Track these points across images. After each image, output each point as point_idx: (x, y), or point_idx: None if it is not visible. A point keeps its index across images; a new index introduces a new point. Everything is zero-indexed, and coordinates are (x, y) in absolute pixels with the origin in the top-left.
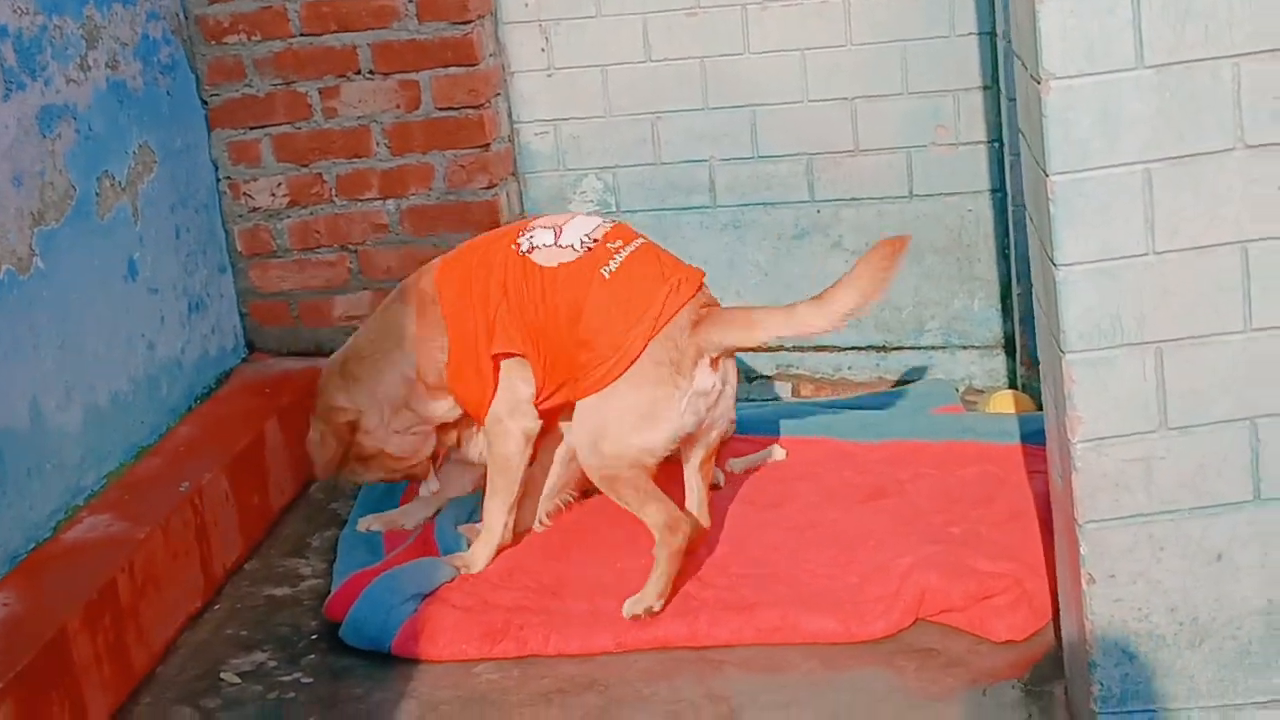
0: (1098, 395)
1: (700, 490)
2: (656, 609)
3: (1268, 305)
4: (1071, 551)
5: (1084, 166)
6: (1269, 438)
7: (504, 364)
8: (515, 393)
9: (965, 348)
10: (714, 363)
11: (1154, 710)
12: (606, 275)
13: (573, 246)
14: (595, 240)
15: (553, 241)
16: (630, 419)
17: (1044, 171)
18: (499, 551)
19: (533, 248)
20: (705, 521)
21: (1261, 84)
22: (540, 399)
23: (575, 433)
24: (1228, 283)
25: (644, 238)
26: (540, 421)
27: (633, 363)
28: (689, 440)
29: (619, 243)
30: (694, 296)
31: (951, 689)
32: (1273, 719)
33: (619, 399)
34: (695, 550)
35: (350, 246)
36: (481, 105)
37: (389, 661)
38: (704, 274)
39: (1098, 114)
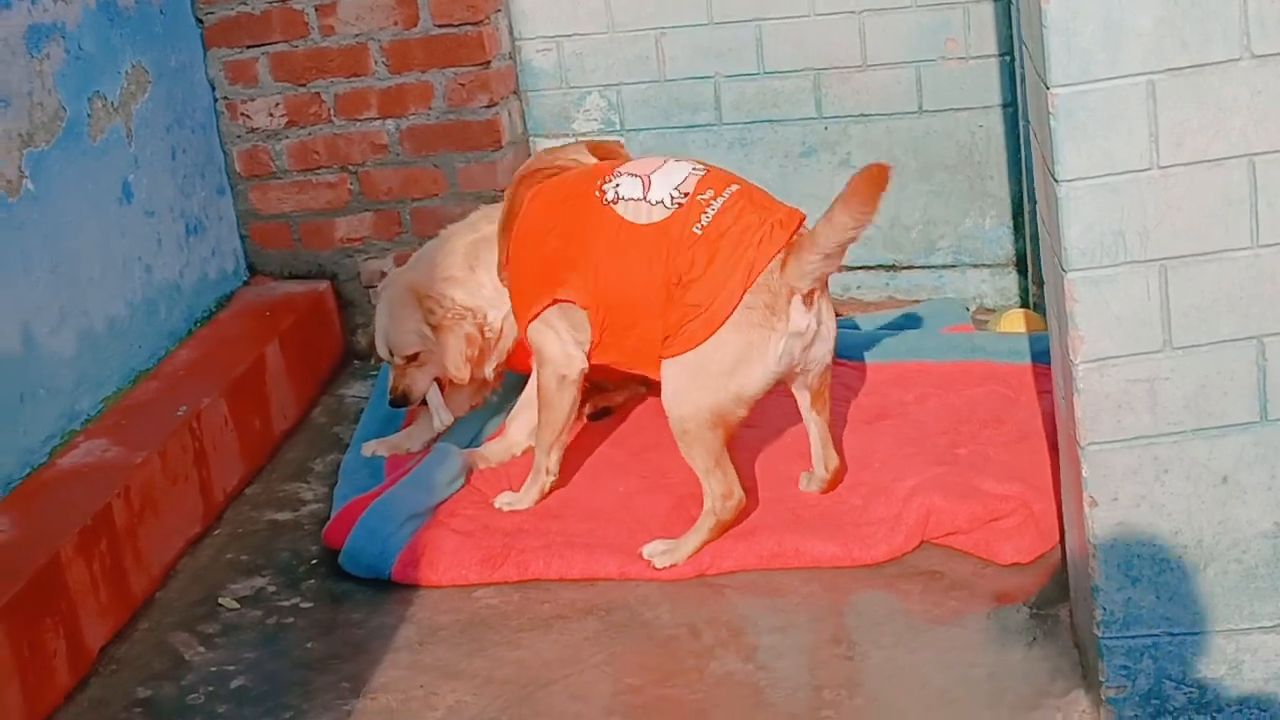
0: (1100, 314)
1: (821, 430)
2: (681, 564)
3: (1275, 220)
4: (1074, 474)
5: (1086, 78)
6: (1275, 356)
7: (563, 307)
8: (568, 336)
9: (976, 266)
10: (807, 300)
11: (1157, 635)
12: (699, 232)
13: (663, 203)
14: (685, 194)
15: (641, 195)
16: (725, 366)
17: (1045, 84)
18: (550, 491)
19: (618, 199)
20: (835, 461)
21: None
22: (591, 355)
23: (666, 387)
24: (1234, 197)
25: (738, 183)
26: (588, 364)
27: (729, 317)
28: (791, 382)
29: (709, 193)
30: (789, 240)
31: (955, 612)
32: (1277, 644)
33: (714, 349)
34: (835, 486)
35: (350, 167)
36: (481, 22)
37: (389, 586)
38: (803, 215)
39: (1100, 23)
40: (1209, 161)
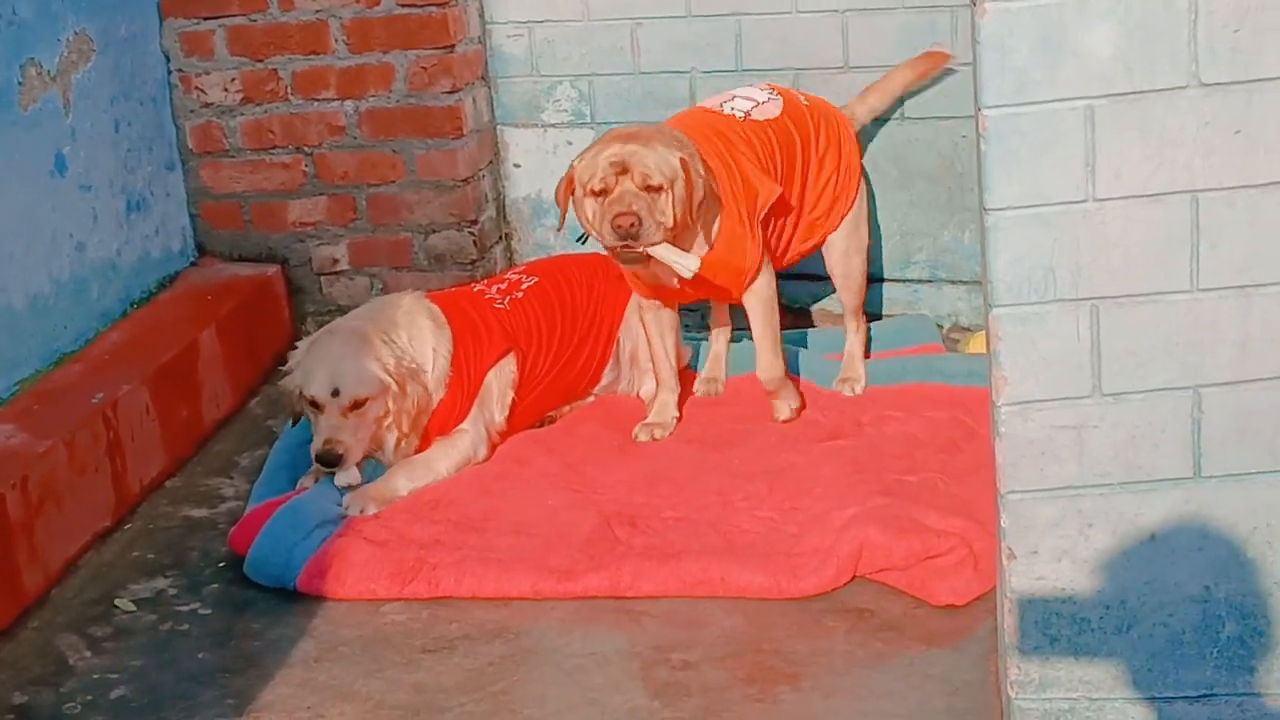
0: (1026, 354)
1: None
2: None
3: (1217, 262)
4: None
5: (1020, 100)
6: (1212, 409)
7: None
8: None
9: (952, 282)
10: None
11: (1074, 699)
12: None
13: (771, 101)
14: (775, 94)
15: (756, 101)
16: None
17: (976, 103)
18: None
19: (747, 114)
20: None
21: (1220, 14)
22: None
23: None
24: (1174, 236)
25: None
26: None
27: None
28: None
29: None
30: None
31: (880, 655)
32: (1204, 714)
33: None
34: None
35: (306, 148)
36: (447, 3)
37: (294, 596)
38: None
39: (1038, 40)
40: (1149, 196)
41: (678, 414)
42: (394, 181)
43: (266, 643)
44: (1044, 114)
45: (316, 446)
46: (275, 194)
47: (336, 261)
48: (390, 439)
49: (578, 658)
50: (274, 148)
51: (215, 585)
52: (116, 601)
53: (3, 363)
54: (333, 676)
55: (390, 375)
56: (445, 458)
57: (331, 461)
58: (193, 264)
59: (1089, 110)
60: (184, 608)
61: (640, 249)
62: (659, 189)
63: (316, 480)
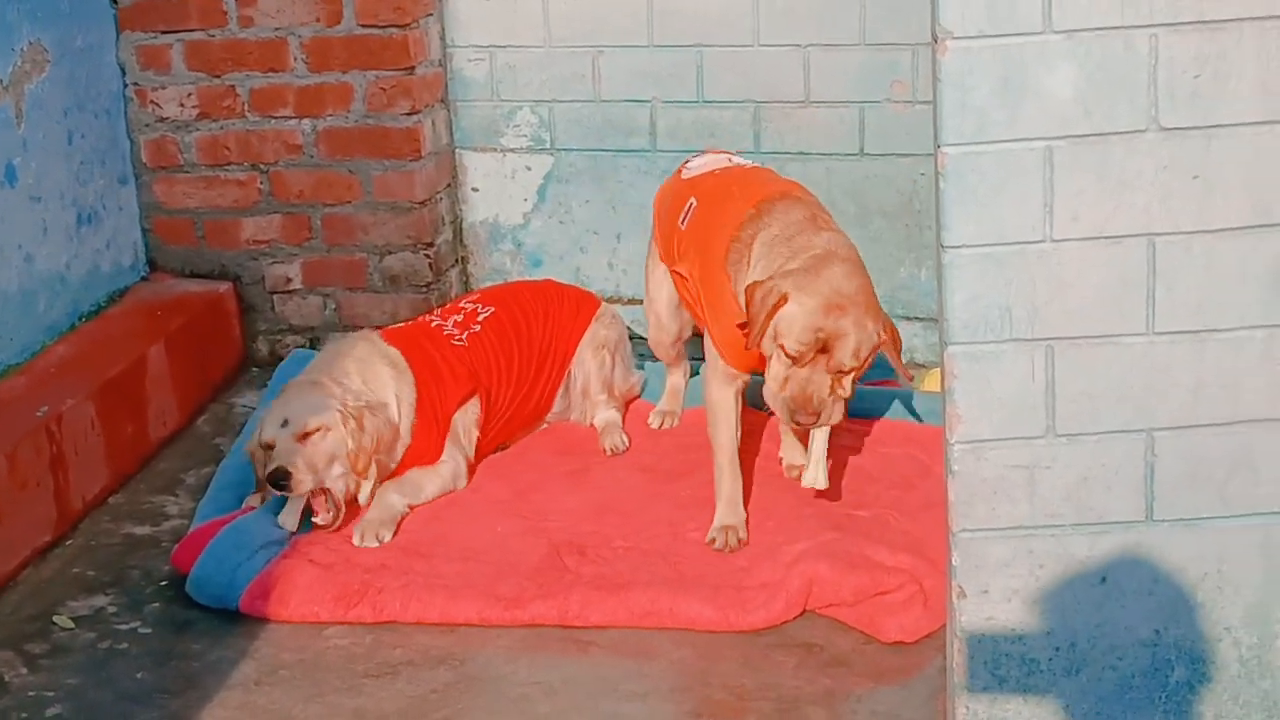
0: (980, 393)
1: None
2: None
3: (1173, 306)
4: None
5: (979, 139)
6: (1165, 453)
7: None
8: None
9: (909, 319)
10: None
11: None
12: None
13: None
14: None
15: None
16: None
17: (936, 141)
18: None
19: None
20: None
21: (1181, 60)
22: None
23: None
24: (1131, 279)
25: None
26: None
27: None
28: None
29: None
30: None
31: (827, 691)
32: None
33: None
34: None
35: (262, 166)
36: (408, 25)
37: (236, 617)
38: None
39: (998, 80)
40: (1106, 238)
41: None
42: (350, 202)
43: (206, 664)
44: (1003, 153)
45: (269, 467)
46: (229, 211)
47: (290, 280)
48: (358, 482)
49: (523, 686)
50: (229, 164)
51: (156, 604)
52: (55, 618)
53: None
54: (272, 700)
55: (345, 408)
56: (430, 481)
57: (279, 481)
58: (143, 279)
59: (1048, 151)
60: (124, 626)
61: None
62: (850, 372)
63: (263, 501)
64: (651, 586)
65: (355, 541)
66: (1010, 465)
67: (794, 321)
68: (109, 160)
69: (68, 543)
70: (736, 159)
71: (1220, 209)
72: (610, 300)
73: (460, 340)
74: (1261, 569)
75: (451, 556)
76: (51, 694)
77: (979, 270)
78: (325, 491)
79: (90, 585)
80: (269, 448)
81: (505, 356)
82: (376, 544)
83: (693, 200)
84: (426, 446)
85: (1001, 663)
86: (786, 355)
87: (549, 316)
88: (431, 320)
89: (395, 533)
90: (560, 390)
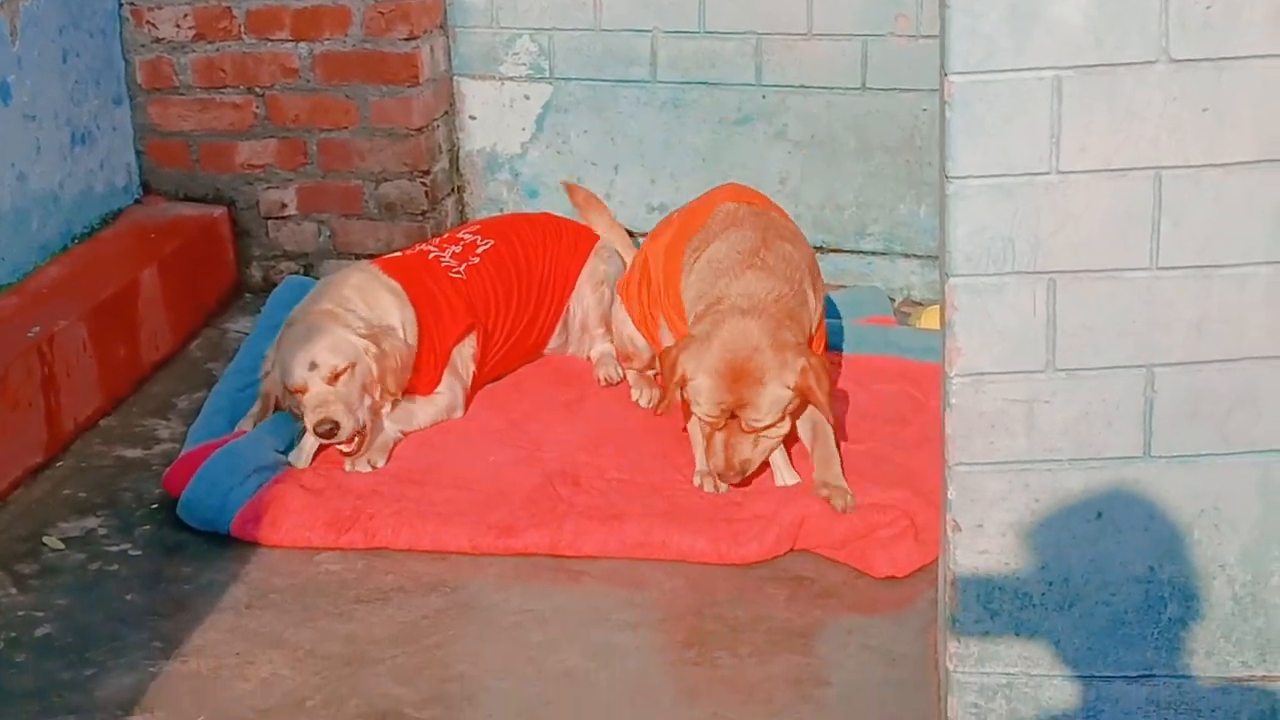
0: (981, 326)
1: None
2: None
3: (1178, 241)
4: (943, 495)
5: (988, 67)
6: (1166, 389)
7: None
8: None
9: (907, 255)
10: None
11: (1013, 674)
12: None
13: None
14: None
15: None
16: None
17: (943, 69)
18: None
19: None
20: None
21: None
22: None
23: None
24: (1136, 212)
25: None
26: None
27: None
28: None
29: None
30: None
31: (818, 622)
32: (1142, 695)
33: None
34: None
35: (258, 89)
36: None
37: (226, 541)
38: None
39: (1007, 7)
40: (1113, 170)
41: None
42: (346, 127)
43: (197, 587)
44: (1011, 82)
45: (310, 423)
46: (224, 134)
47: (285, 206)
48: (387, 404)
49: (515, 615)
50: (225, 87)
51: (147, 527)
52: (45, 539)
53: None
54: (263, 623)
55: (364, 337)
56: (424, 409)
57: (328, 433)
58: (137, 201)
59: (1057, 80)
60: (114, 548)
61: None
62: (768, 428)
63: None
64: (645, 518)
65: (347, 467)
66: (1009, 399)
67: (698, 394)
68: (104, 80)
69: (58, 464)
70: None
71: (1230, 143)
72: None
73: (458, 273)
74: (1259, 507)
75: (444, 484)
76: (41, 614)
77: (983, 201)
78: (362, 434)
79: (81, 507)
80: (298, 391)
81: (504, 291)
82: (369, 469)
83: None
84: (425, 377)
85: (994, 597)
86: (703, 422)
87: (548, 250)
88: (429, 251)
89: (388, 459)
90: (559, 325)
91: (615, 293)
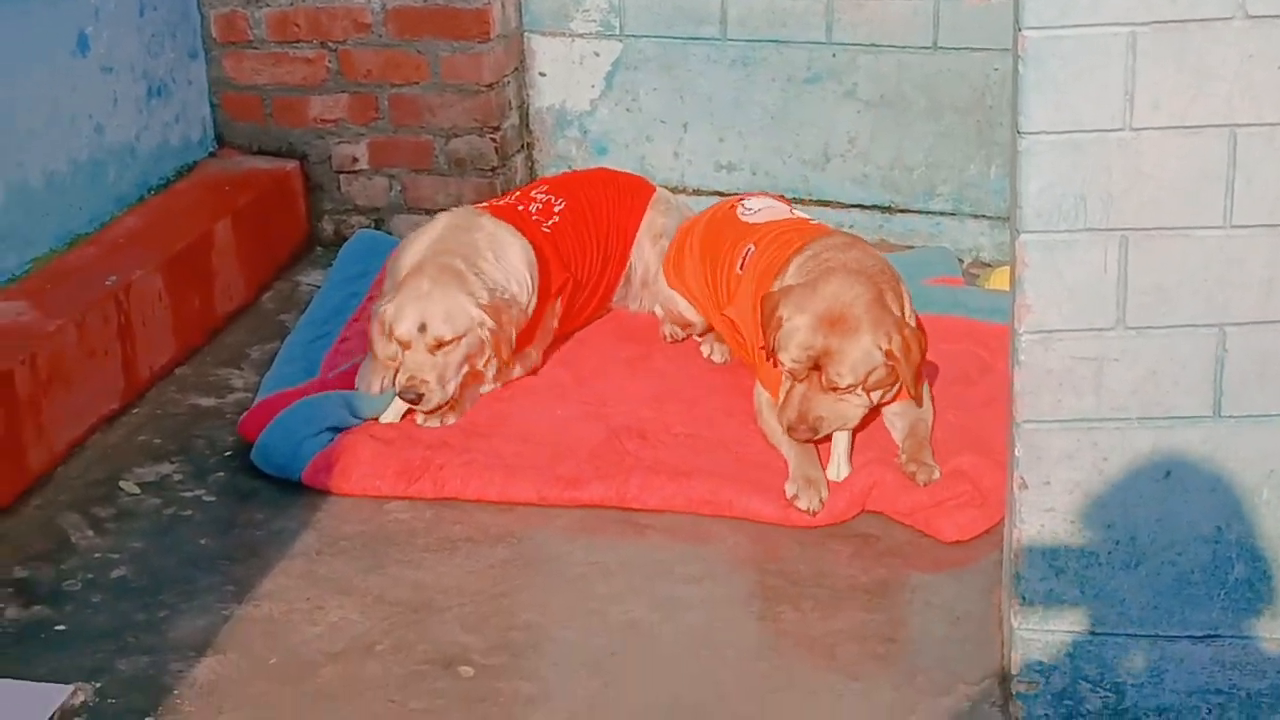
0: (1051, 283)
1: None
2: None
3: (1251, 199)
4: (1010, 452)
5: (1062, 23)
6: (1237, 348)
7: None
8: None
9: (976, 216)
10: None
11: (1078, 633)
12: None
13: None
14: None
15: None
16: None
17: (1017, 24)
18: None
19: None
20: None
21: None
22: None
23: None
24: (1210, 170)
25: None
26: None
27: None
28: None
29: None
30: None
31: (882, 580)
32: (1207, 655)
33: None
34: None
35: (330, 44)
36: None
37: (298, 489)
38: None
39: None
40: (1186, 128)
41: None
42: (417, 83)
43: (269, 533)
44: (1085, 38)
45: (400, 382)
46: (297, 88)
47: (356, 160)
48: (490, 372)
49: (580, 566)
50: (298, 41)
51: (220, 474)
52: (121, 484)
53: (17, 240)
54: (333, 570)
55: (483, 311)
56: (498, 378)
57: (413, 400)
58: (211, 154)
59: (1131, 36)
60: (188, 494)
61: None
62: (849, 389)
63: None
64: (713, 477)
65: (419, 420)
66: (1078, 357)
67: (787, 338)
68: (180, 33)
69: (134, 411)
70: (796, 211)
71: None
72: (674, 190)
73: (546, 229)
74: None
75: (512, 437)
76: (116, 556)
77: (1055, 157)
78: (453, 402)
79: (156, 453)
80: (401, 344)
81: (580, 249)
82: (438, 425)
83: (750, 246)
84: (523, 334)
85: (1060, 555)
86: (785, 370)
87: (610, 206)
88: (517, 206)
89: (459, 417)
90: (621, 279)
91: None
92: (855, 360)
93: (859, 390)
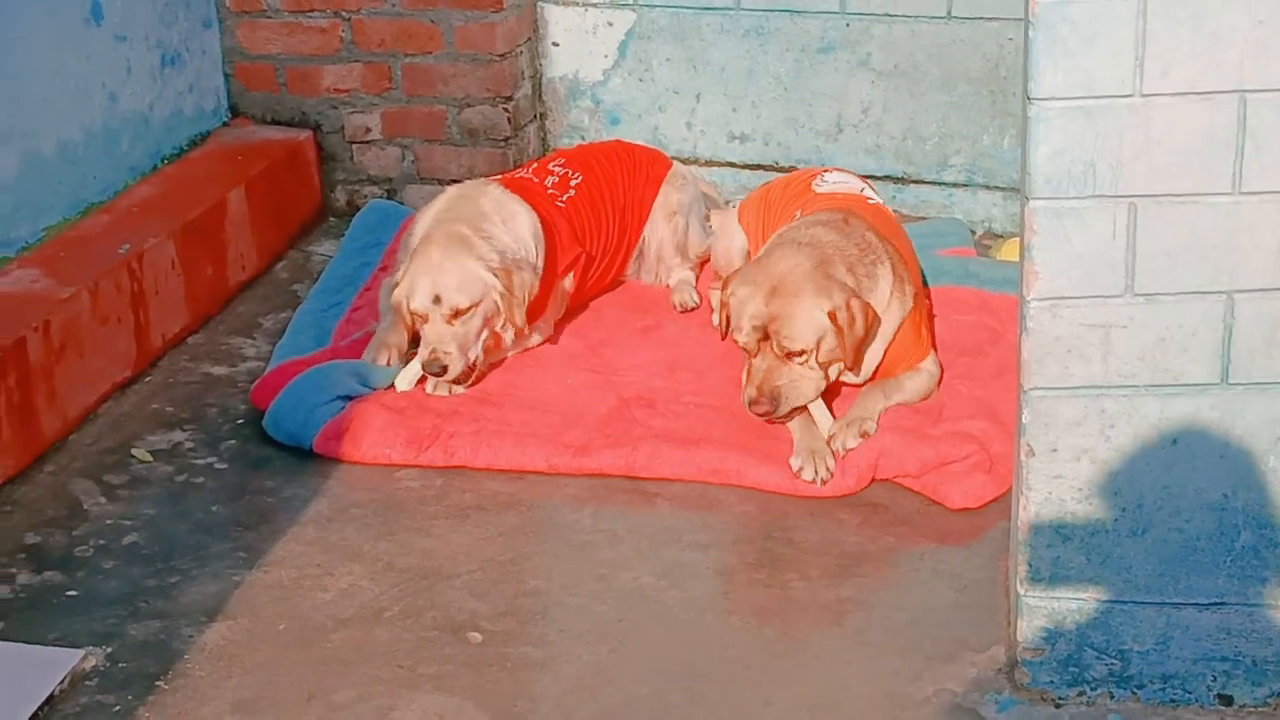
0: (1060, 249)
1: None
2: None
3: (1261, 166)
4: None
5: None
6: (1245, 315)
7: None
8: None
9: (989, 188)
10: None
11: (1084, 599)
12: None
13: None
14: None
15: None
16: None
17: None
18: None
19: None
20: None
21: None
22: None
23: None
24: (1220, 137)
25: None
26: None
27: None
28: None
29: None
30: None
31: (890, 548)
32: (1213, 622)
33: None
34: None
35: (344, 13)
36: None
37: (310, 457)
38: None
39: None
40: (1197, 94)
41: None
42: (431, 52)
43: (280, 500)
44: (1096, 3)
45: (423, 356)
46: (311, 58)
47: (369, 130)
48: (508, 336)
49: (588, 533)
50: (312, 11)
51: (232, 441)
52: (133, 451)
53: (31, 208)
54: (344, 537)
55: (495, 274)
56: (514, 347)
57: (437, 373)
58: (225, 124)
59: (1142, 1)
60: (200, 461)
61: (781, 419)
62: (801, 354)
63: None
64: (722, 446)
65: (429, 389)
66: (1086, 324)
67: (737, 314)
68: (193, 3)
69: (147, 379)
70: (868, 190)
71: None
72: (686, 161)
73: (561, 203)
74: None
75: (522, 405)
76: (129, 522)
77: (1065, 124)
78: (472, 367)
79: (168, 421)
80: (418, 317)
81: (595, 225)
82: (447, 393)
83: (799, 213)
84: (534, 306)
85: (1067, 521)
86: (742, 348)
87: (626, 181)
88: (532, 179)
89: (469, 386)
90: (634, 253)
91: (690, 222)
92: (800, 323)
93: (813, 361)
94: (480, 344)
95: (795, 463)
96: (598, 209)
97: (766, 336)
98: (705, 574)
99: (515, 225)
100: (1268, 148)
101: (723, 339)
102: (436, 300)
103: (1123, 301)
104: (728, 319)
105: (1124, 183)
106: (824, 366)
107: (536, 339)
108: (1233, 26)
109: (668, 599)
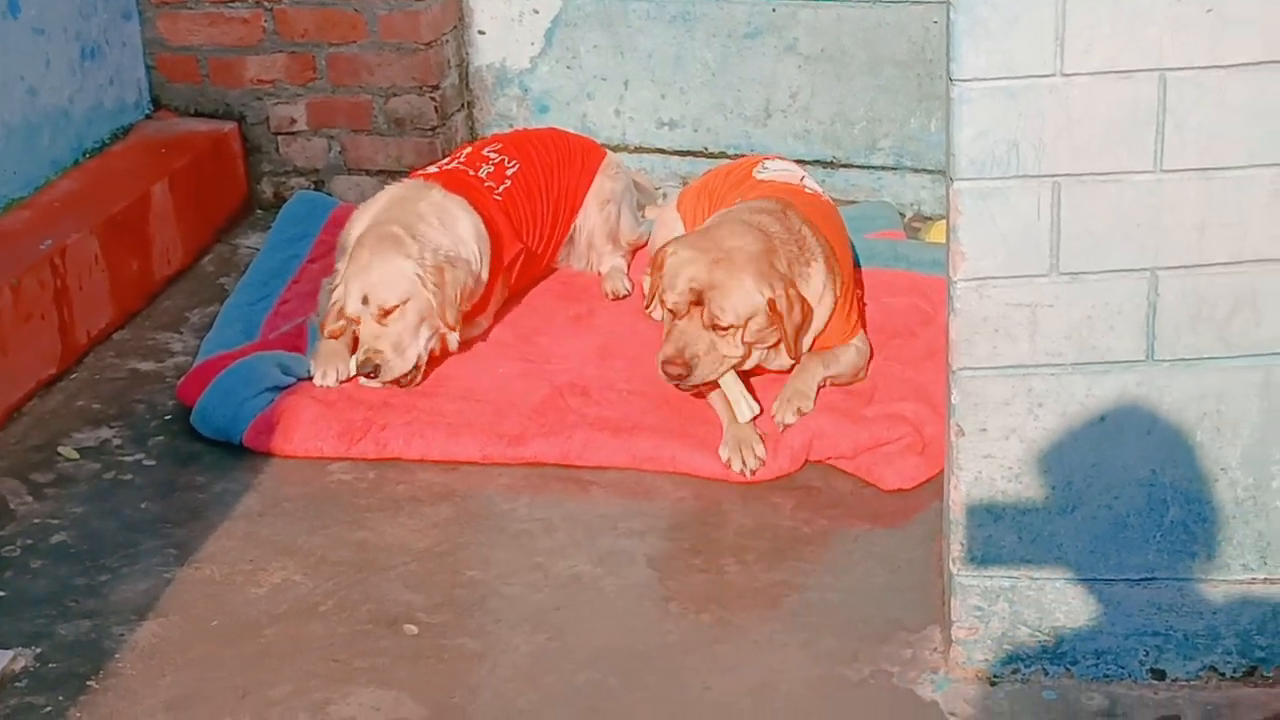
0: (984, 230)
1: None
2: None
3: (1182, 143)
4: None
5: None
6: (1169, 292)
7: None
8: None
9: (917, 170)
10: None
11: (1016, 578)
12: None
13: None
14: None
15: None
16: None
17: None
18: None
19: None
20: None
21: None
22: None
23: None
24: (1140, 115)
25: None
26: None
27: None
28: None
29: None
30: None
31: (824, 531)
32: (1143, 597)
33: None
34: None
35: (265, 3)
36: None
37: (241, 452)
38: None
39: None
40: (1117, 73)
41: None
42: (355, 42)
43: (210, 496)
44: None
45: (358, 358)
46: (233, 49)
47: (294, 121)
48: (453, 340)
49: (523, 523)
50: (233, 1)
51: (160, 438)
52: (60, 449)
53: None
54: (276, 531)
55: (426, 271)
56: (467, 332)
57: (369, 374)
58: (147, 117)
59: None
60: (128, 458)
61: (691, 388)
62: (728, 329)
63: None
64: (656, 434)
65: (361, 381)
66: (1012, 303)
67: (674, 273)
68: None
69: (72, 376)
70: (808, 180)
71: (1233, 44)
72: (615, 149)
73: (499, 195)
74: (1260, 410)
75: (454, 396)
76: (56, 522)
77: (987, 105)
78: (413, 371)
79: (95, 418)
80: (353, 321)
81: (531, 214)
82: (379, 385)
83: (739, 200)
84: (478, 303)
85: (997, 500)
86: (667, 309)
87: (561, 170)
88: (467, 171)
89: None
90: (565, 240)
91: (622, 210)
92: (737, 298)
93: (739, 338)
94: (423, 344)
95: (724, 453)
96: (533, 198)
97: (699, 302)
98: (641, 561)
99: (455, 227)
100: (1188, 125)
101: (646, 306)
102: (365, 300)
103: (1048, 281)
104: (659, 282)
105: (1047, 162)
106: (748, 346)
107: (471, 334)
108: (1151, 4)
109: (605, 586)
